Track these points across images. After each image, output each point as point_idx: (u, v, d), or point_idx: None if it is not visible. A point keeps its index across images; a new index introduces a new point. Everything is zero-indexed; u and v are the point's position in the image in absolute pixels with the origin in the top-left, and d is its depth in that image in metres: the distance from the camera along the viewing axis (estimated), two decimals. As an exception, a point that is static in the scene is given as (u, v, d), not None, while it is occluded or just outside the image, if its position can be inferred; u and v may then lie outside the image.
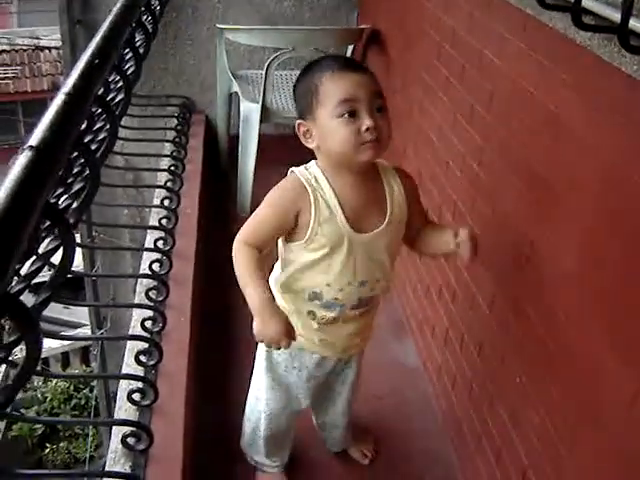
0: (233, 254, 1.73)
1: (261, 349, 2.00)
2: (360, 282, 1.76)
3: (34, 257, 0.88)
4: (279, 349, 1.71)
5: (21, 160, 0.69)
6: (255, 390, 2.10)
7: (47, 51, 15.06)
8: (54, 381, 8.98)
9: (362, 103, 1.60)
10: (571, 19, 1.30)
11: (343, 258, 1.71)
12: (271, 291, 1.69)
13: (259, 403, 2.09)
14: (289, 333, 1.61)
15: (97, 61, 1.04)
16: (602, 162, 1.51)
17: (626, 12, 1.14)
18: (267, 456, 2.20)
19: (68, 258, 0.84)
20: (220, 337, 2.86)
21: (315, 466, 2.36)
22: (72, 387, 8.97)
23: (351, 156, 1.63)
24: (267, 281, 1.72)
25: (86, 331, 8.42)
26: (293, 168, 1.74)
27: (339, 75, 1.63)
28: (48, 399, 8.86)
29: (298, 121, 1.70)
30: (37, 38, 15.13)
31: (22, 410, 8.42)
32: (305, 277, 1.77)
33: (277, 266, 1.87)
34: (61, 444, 8.50)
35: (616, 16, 1.21)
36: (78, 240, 3.88)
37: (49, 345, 8.89)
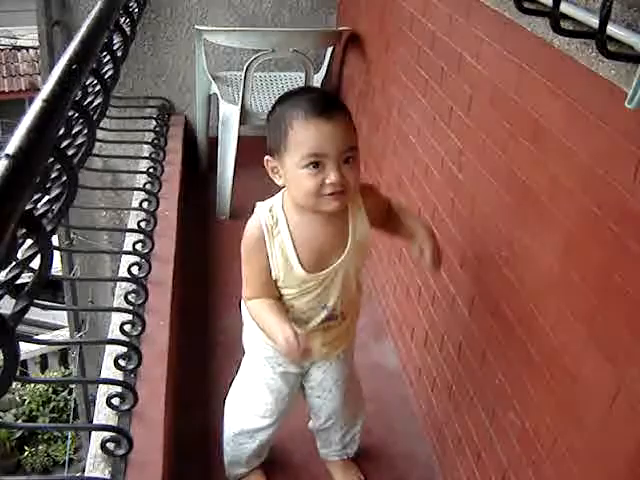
0: (251, 315, 1.83)
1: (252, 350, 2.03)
2: (323, 306, 1.81)
3: (13, 264, 0.87)
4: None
5: (-3, 169, 0.69)
6: (239, 398, 2.12)
7: (24, 51, 14.93)
8: (32, 384, 8.90)
9: (330, 157, 1.58)
10: (549, 24, 1.31)
11: (303, 294, 1.78)
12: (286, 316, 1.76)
13: (245, 410, 2.10)
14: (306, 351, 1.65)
15: (75, 66, 1.03)
16: (581, 165, 1.52)
17: (604, 18, 1.14)
18: (247, 466, 2.22)
19: (46, 265, 0.84)
20: (200, 341, 2.85)
21: (296, 469, 2.36)
22: (51, 390, 8.90)
23: (314, 206, 1.65)
24: (281, 308, 1.78)
25: (65, 333, 8.37)
26: (258, 205, 1.76)
27: (312, 124, 1.58)
28: (26, 402, 8.79)
29: (267, 157, 1.69)
30: (14, 38, 15.00)
31: (0, 414, 8.36)
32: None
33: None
34: (40, 447, 8.43)
35: (594, 21, 1.22)
36: (56, 243, 3.85)
37: (27, 348, 8.81)
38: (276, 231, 1.70)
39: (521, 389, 1.79)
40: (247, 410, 2.09)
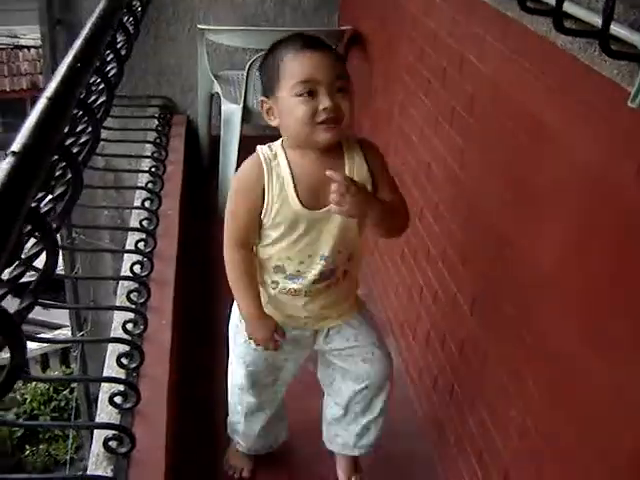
0: (225, 259, 1.78)
1: (234, 330, 1.99)
2: (321, 255, 1.76)
3: (17, 262, 0.87)
4: (267, 349, 1.84)
5: (3, 166, 0.69)
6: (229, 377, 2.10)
7: (26, 50, 14.94)
8: (34, 383, 8.91)
9: (322, 84, 1.61)
10: (552, 23, 1.31)
11: (300, 234, 1.73)
12: (259, 296, 1.78)
13: (231, 387, 2.10)
14: (275, 340, 1.74)
15: (79, 65, 1.03)
16: (582, 164, 1.52)
17: (607, 17, 1.15)
18: (243, 438, 2.20)
19: (51, 263, 0.84)
20: (202, 339, 2.85)
21: (295, 465, 2.37)
22: (52, 389, 8.90)
23: (308, 135, 1.64)
24: (257, 285, 1.79)
25: (66, 332, 8.37)
26: (258, 146, 1.75)
27: (301, 54, 1.63)
28: (28, 401, 8.79)
29: (261, 98, 1.72)
30: (16, 37, 15.01)
31: (1, 412, 8.36)
32: (268, 251, 1.78)
33: None
34: (41, 446, 8.43)
35: (597, 21, 1.22)
36: (58, 242, 3.86)
37: (28, 347, 8.79)
38: (275, 163, 1.70)
39: (523, 387, 1.79)
40: (231, 381, 2.09)
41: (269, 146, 1.74)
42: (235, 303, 1.91)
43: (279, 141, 1.75)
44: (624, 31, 1.22)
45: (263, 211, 1.71)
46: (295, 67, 1.62)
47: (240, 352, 1.98)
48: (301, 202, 1.69)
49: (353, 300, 1.96)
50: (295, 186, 1.69)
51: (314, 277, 1.78)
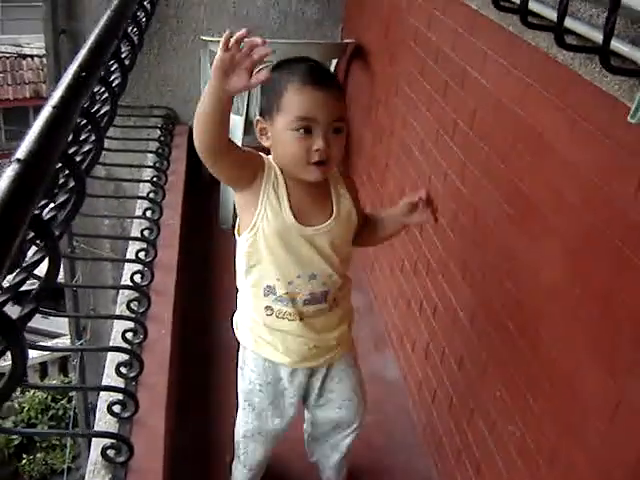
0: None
1: (240, 372, 2.01)
2: (310, 275, 1.77)
3: (18, 269, 0.88)
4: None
5: (8, 173, 0.70)
6: (240, 423, 2.10)
7: (30, 59, 15.01)
8: (32, 391, 8.89)
9: (319, 124, 1.62)
10: (554, 39, 1.32)
11: (289, 249, 1.74)
12: None
13: (238, 426, 2.10)
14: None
15: (84, 74, 1.04)
16: (583, 179, 1.53)
17: (608, 33, 1.16)
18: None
19: (54, 270, 0.85)
20: (201, 349, 2.85)
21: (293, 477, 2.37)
22: (50, 398, 8.90)
23: (299, 171, 1.68)
24: None
25: (65, 341, 8.37)
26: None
27: (306, 90, 1.64)
28: (25, 409, 8.78)
29: (257, 118, 1.73)
30: (20, 46, 15.08)
31: (-1, 421, 8.35)
32: (258, 271, 1.80)
33: (238, 270, 1.90)
34: (38, 455, 8.42)
35: (598, 36, 1.23)
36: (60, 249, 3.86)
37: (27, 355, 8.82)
38: (274, 176, 1.71)
39: (522, 401, 1.79)
40: (238, 421, 2.10)
41: (269, 158, 1.75)
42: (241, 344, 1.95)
43: (272, 157, 1.76)
44: (625, 47, 1.23)
45: (255, 217, 1.72)
46: (296, 102, 1.64)
47: (245, 394, 2.00)
48: (294, 217, 1.71)
49: (347, 334, 1.96)
50: (290, 202, 1.71)
51: (305, 297, 1.79)
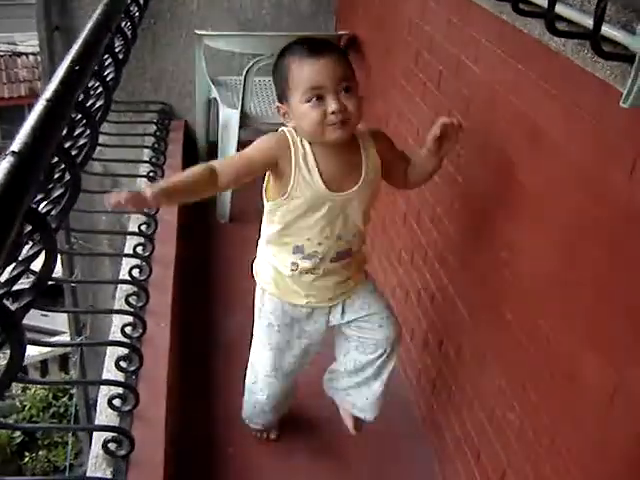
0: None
1: (258, 313, 2.11)
2: (337, 236, 1.91)
3: (14, 263, 0.88)
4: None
5: (3, 165, 0.70)
6: (252, 355, 2.22)
7: (24, 57, 14.94)
8: (33, 389, 8.90)
9: (328, 88, 1.74)
10: (545, 25, 1.32)
11: (321, 215, 1.86)
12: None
13: (255, 366, 2.21)
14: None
15: (77, 68, 1.04)
16: (578, 165, 1.53)
17: (598, 18, 1.16)
18: (267, 414, 2.34)
19: (51, 263, 0.85)
20: (200, 342, 2.86)
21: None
22: (51, 395, 8.90)
23: (321, 136, 1.79)
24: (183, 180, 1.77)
25: (65, 339, 8.36)
26: (283, 127, 1.88)
27: (306, 62, 1.76)
28: (27, 407, 8.79)
29: (277, 104, 1.87)
30: (14, 44, 15.02)
31: (0, 419, 8.35)
32: (289, 233, 1.92)
33: (264, 224, 2.00)
34: (40, 452, 8.43)
35: (589, 22, 1.23)
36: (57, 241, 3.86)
37: (27, 353, 8.76)
38: (301, 145, 1.83)
39: (520, 390, 1.80)
40: (253, 364, 2.23)
41: (290, 131, 1.86)
42: (258, 286, 2.07)
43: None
44: (616, 32, 1.23)
45: (289, 189, 1.83)
46: (301, 75, 1.76)
47: (263, 336, 2.11)
48: (326, 185, 1.83)
49: (363, 273, 2.12)
50: (319, 170, 1.83)
51: (331, 257, 1.94)
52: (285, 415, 2.44)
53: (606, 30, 1.22)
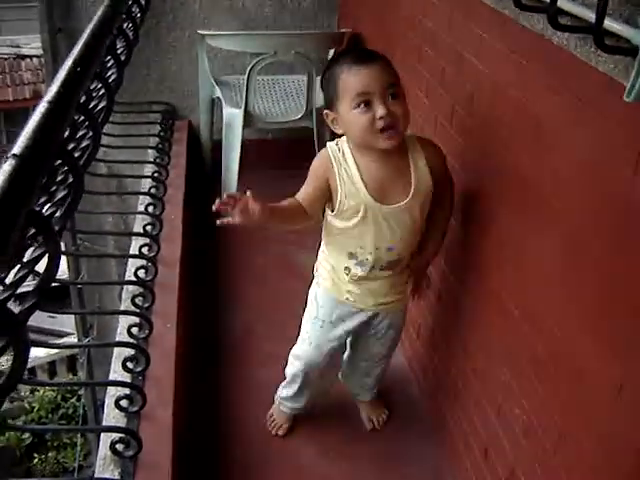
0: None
1: (309, 305, 2.23)
2: (387, 248, 1.99)
3: (19, 265, 0.88)
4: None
5: (5, 168, 0.70)
6: (300, 341, 2.30)
7: (28, 59, 14.95)
8: (41, 391, 8.90)
9: (375, 94, 1.81)
10: (547, 20, 1.32)
11: (371, 227, 1.95)
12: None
13: (300, 353, 2.29)
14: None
15: (79, 69, 1.04)
16: (582, 159, 1.53)
17: (601, 12, 1.15)
18: (293, 400, 2.42)
19: (54, 265, 0.85)
20: (207, 342, 2.86)
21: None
22: (59, 397, 8.90)
23: (370, 142, 1.85)
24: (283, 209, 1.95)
25: (72, 340, 8.37)
26: (328, 142, 1.99)
27: (353, 71, 1.84)
28: (35, 409, 8.79)
29: (326, 111, 1.95)
30: (18, 47, 15.04)
31: (9, 421, 8.36)
32: (343, 240, 2.03)
33: (324, 228, 2.10)
34: (49, 454, 8.42)
35: (591, 16, 1.23)
36: (62, 248, 3.87)
37: (35, 354, 8.83)
38: (343, 160, 1.92)
39: (527, 385, 1.79)
40: (297, 345, 2.32)
41: (336, 143, 1.97)
42: (314, 280, 2.21)
43: (344, 139, 1.96)
44: (618, 26, 1.22)
45: (337, 204, 1.93)
46: (349, 83, 1.84)
47: (308, 327, 2.23)
48: (370, 194, 1.91)
49: (407, 289, 2.21)
50: (364, 181, 1.90)
51: (381, 265, 2.03)
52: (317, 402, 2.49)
53: (609, 24, 1.21)
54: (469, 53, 2.15)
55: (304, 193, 1.98)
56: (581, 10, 1.34)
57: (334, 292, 2.13)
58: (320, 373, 2.30)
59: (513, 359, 1.89)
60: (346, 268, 2.06)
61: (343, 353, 2.40)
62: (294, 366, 2.32)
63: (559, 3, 1.30)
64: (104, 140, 1.20)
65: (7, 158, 0.72)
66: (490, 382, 2.03)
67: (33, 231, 0.88)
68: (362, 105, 1.81)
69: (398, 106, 1.84)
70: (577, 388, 1.56)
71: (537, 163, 1.74)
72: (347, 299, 2.12)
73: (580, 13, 1.35)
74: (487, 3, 1.96)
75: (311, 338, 2.22)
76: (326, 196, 1.97)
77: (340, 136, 1.98)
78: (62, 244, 4.23)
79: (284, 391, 2.42)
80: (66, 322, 9.22)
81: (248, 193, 1.78)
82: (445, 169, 2.07)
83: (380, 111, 1.79)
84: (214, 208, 1.76)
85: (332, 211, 1.97)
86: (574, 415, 1.58)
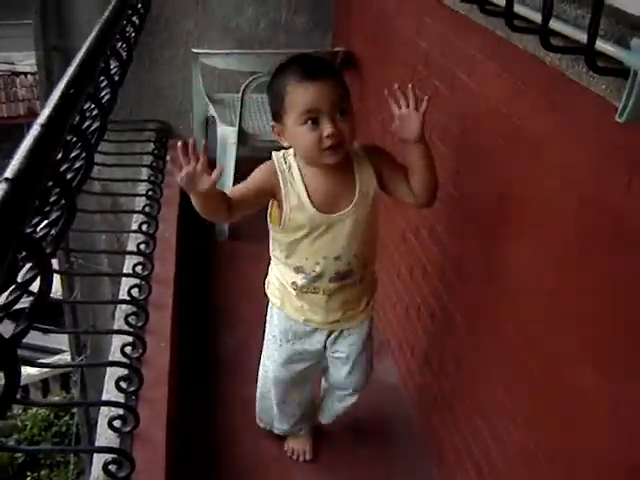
0: None
1: (267, 325, 2.18)
2: (335, 257, 1.93)
3: (12, 286, 0.88)
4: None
5: (-3, 192, 0.70)
6: (263, 359, 2.26)
7: (23, 76, 14.97)
8: (34, 408, 8.86)
9: (323, 112, 1.76)
10: (539, 41, 1.33)
11: (316, 236, 1.90)
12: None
13: (266, 370, 2.25)
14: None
15: (72, 91, 1.05)
16: (575, 178, 1.53)
17: (592, 34, 1.16)
18: (285, 423, 2.36)
19: (45, 288, 0.85)
20: (200, 361, 2.85)
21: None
22: (52, 415, 8.86)
23: (316, 158, 1.82)
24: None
25: (66, 357, 8.34)
26: (274, 152, 1.93)
27: (302, 85, 1.77)
28: (28, 427, 8.74)
29: (272, 123, 1.90)
30: (12, 63, 15.06)
31: (2, 439, 8.31)
32: (289, 254, 1.96)
33: (270, 245, 2.05)
34: (42, 472, 8.38)
35: (583, 37, 1.23)
36: (56, 266, 3.85)
37: (28, 372, 8.79)
38: (289, 175, 1.88)
39: (522, 404, 1.79)
40: (261, 371, 2.28)
41: (283, 156, 1.91)
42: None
43: (291, 152, 1.91)
44: (610, 47, 1.23)
45: (283, 218, 1.88)
46: (297, 98, 1.77)
47: (269, 346, 2.18)
48: (315, 207, 1.86)
49: (368, 305, 2.13)
50: (309, 194, 1.86)
51: (330, 276, 1.96)
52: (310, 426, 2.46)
53: (600, 45, 1.21)
54: (462, 72, 2.16)
55: (238, 190, 1.90)
56: (573, 31, 1.35)
57: (285, 309, 2.07)
58: (289, 391, 2.25)
59: (508, 378, 1.88)
60: (293, 283, 2.00)
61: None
62: (262, 384, 2.31)
63: (551, 24, 1.31)
64: (98, 158, 1.20)
65: (0, 182, 0.72)
66: (484, 400, 2.03)
67: (25, 253, 0.88)
68: (309, 122, 1.77)
69: (346, 123, 1.79)
70: (573, 406, 1.56)
71: (531, 182, 1.75)
72: (298, 316, 2.06)
73: (572, 34, 1.35)
74: (480, 23, 1.97)
75: (274, 356, 2.17)
76: (257, 203, 1.91)
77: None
78: (55, 262, 4.22)
79: (259, 410, 2.41)
80: (60, 339, 9.18)
81: (202, 154, 1.71)
82: (387, 155, 1.98)
83: (327, 130, 1.75)
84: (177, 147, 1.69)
85: (279, 225, 1.91)
86: (569, 433, 1.58)
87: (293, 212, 1.87)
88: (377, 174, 1.93)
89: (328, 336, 2.12)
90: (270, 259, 2.10)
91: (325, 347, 2.14)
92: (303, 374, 2.21)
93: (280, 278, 2.05)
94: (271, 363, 2.19)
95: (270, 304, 2.14)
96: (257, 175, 1.90)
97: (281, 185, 1.87)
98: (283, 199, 1.87)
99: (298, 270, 1.97)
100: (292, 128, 1.80)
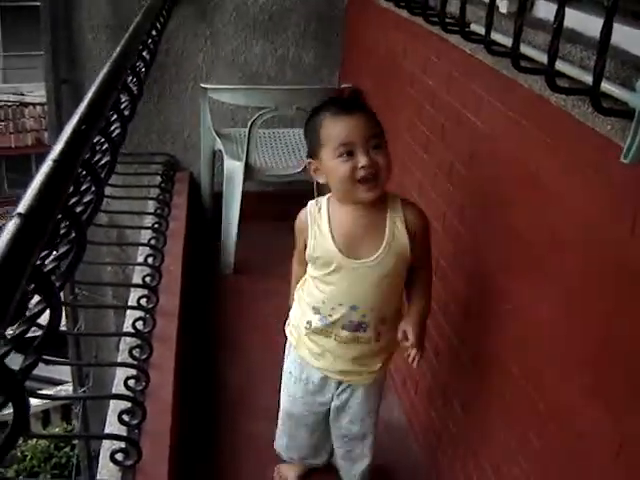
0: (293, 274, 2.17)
1: (285, 360, 2.20)
2: (351, 306, 1.93)
3: (20, 320, 0.88)
4: None
5: (9, 228, 0.71)
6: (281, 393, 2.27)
7: (31, 107, 15.13)
8: (34, 439, 8.82)
9: (358, 144, 1.81)
10: (545, 82, 1.34)
11: (336, 279, 1.92)
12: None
13: (282, 403, 2.26)
14: None
15: (84, 127, 1.06)
16: (580, 219, 1.54)
17: (597, 75, 1.18)
18: (286, 450, 2.35)
19: (55, 321, 0.85)
20: (204, 396, 2.84)
21: None
22: (53, 446, 8.82)
23: (351, 192, 1.85)
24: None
25: (68, 388, 8.31)
26: (310, 202, 2.00)
27: (337, 120, 1.85)
28: (28, 458, 8.70)
29: (308, 160, 1.96)
30: (21, 94, 15.22)
31: (1, 470, 8.25)
32: (309, 292, 2.01)
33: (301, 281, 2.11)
34: (42, 503, 8.33)
35: (588, 79, 1.25)
36: (61, 299, 3.85)
37: (29, 403, 8.76)
38: (318, 215, 1.94)
39: (526, 444, 1.78)
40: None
41: (316, 200, 1.99)
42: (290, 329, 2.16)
43: (326, 195, 1.97)
44: (615, 88, 1.24)
45: (309, 252, 1.94)
46: (332, 132, 1.84)
47: (285, 380, 2.21)
48: (337, 247, 1.89)
49: (381, 365, 2.10)
50: (332, 233, 1.90)
51: (343, 324, 1.96)
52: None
53: (606, 86, 1.23)
54: (468, 111, 2.18)
55: (296, 253, 2.08)
56: (578, 72, 1.37)
57: (299, 350, 2.10)
58: (298, 425, 2.25)
59: (512, 417, 1.88)
60: (308, 322, 2.02)
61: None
62: (281, 411, 2.30)
63: (557, 65, 1.32)
64: (106, 190, 1.21)
65: (12, 216, 0.73)
66: (489, 440, 2.02)
67: (34, 286, 0.88)
68: (345, 155, 1.81)
69: (380, 157, 1.83)
70: (576, 449, 1.55)
71: (536, 222, 1.75)
72: (310, 359, 2.07)
73: (577, 75, 1.37)
74: (486, 63, 1.99)
75: (289, 390, 2.19)
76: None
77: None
78: (61, 293, 4.21)
79: (277, 436, 2.39)
80: (62, 369, 9.16)
81: None
82: (426, 237, 1.98)
83: (362, 160, 1.79)
84: None
85: (307, 263, 2.00)
86: (574, 475, 1.57)
87: (315, 250, 1.92)
88: (409, 233, 1.90)
89: (336, 391, 2.12)
90: (285, 296, 2.19)
91: (332, 399, 2.15)
92: (313, 419, 2.22)
93: (298, 318, 2.07)
94: (286, 396, 2.21)
95: (288, 342, 2.17)
96: (296, 231, 2.02)
97: (309, 225, 1.93)
98: (309, 237, 1.93)
99: (315, 311, 1.99)
100: (327, 161, 1.85)
